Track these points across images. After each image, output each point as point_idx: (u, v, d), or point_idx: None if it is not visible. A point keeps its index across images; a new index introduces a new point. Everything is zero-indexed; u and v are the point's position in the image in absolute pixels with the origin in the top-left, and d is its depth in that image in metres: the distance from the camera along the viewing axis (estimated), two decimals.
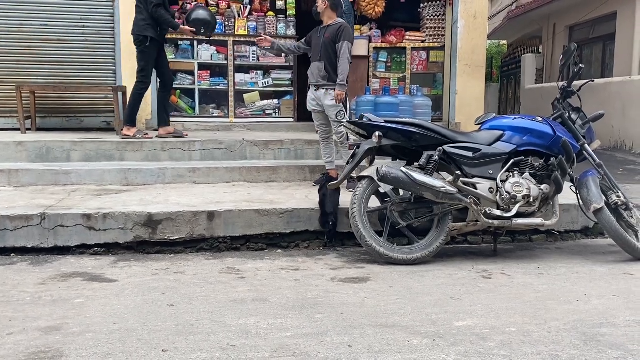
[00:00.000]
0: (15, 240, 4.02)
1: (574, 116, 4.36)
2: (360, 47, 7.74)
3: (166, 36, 6.18)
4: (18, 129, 6.54)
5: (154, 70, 6.06)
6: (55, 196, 4.72)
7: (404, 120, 4.21)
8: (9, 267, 3.73)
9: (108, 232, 4.12)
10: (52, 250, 4.05)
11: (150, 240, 4.17)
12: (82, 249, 4.09)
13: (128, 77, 7.09)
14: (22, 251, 4.02)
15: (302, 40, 5.50)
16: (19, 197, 4.66)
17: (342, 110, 4.95)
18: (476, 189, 3.97)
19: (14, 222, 4.03)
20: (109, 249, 4.12)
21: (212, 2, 7.88)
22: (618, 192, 4.21)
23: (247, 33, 7.66)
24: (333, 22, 5.12)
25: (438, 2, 8.08)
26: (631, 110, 9.57)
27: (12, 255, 3.99)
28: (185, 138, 6.08)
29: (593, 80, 5.15)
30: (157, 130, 6.22)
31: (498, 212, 3.96)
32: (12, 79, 6.83)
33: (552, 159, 4.08)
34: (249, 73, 7.82)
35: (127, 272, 3.65)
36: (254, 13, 7.80)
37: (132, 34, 5.94)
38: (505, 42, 22.13)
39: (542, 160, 4.14)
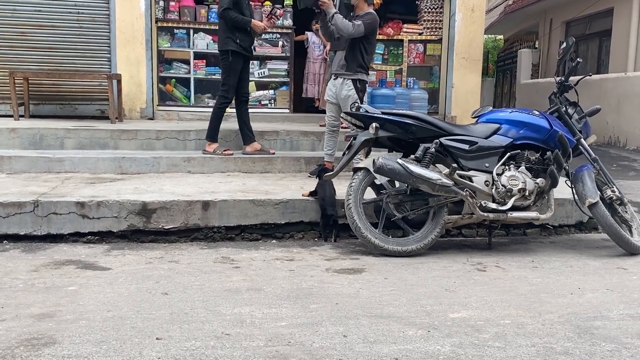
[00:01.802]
0: (8, 228, 3.99)
1: (570, 110, 4.36)
2: None
3: (253, 50, 5.82)
4: (11, 116, 6.49)
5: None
6: (48, 184, 4.68)
7: (400, 112, 4.19)
8: (1, 254, 3.70)
9: (102, 220, 4.09)
10: (45, 238, 4.02)
11: (144, 229, 4.14)
12: (76, 237, 4.06)
13: (123, 64, 7.07)
14: (15, 238, 3.99)
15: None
16: (11, 184, 4.62)
17: (357, 103, 4.88)
18: (472, 181, 3.97)
19: (7, 209, 3.99)
20: (102, 237, 4.09)
21: None
22: (613, 187, 4.22)
23: None
24: (362, 12, 5.02)
25: None
26: (626, 107, 9.60)
27: (4, 242, 3.96)
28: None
29: (590, 75, 5.16)
30: (223, 147, 5.77)
31: (493, 205, 3.96)
32: (5, 65, 6.78)
33: (548, 153, 4.08)
34: None
35: (120, 261, 3.63)
36: (251, 3, 7.73)
37: (217, 49, 5.73)
38: (501, 36, 22.14)
39: (538, 154, 4.14)
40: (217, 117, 5.56)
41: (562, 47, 4.38)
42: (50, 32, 6.93)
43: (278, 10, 5.75)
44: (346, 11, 5.18)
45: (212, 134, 5.62)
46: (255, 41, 5.83)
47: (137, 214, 4.12)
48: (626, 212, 4.22)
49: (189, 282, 3.23)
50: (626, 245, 4.06)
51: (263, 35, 7.49)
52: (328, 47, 6.85)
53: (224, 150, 5.56)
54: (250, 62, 5.93)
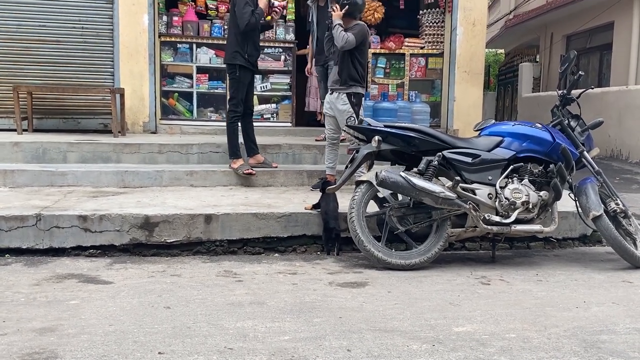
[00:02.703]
0: (10, 241, 3.98)
1: (573, 123, 4.36)
2: None
3: (258, 65, 5.74)
4: (14, 130, 6.51)
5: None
6: (51, 197, 4.68)
7: (403, 125, 4.20)
8: (3, 268, 3.69)
9: (104, 234, 4.08)
10: (47, 252, 4.01)
11: (147, 243, 4.13)
12: (78, 251, 4.05)
13: (126, 78, 7.10)
14: (17, 252, 3.98)
15: None
16: (14, 198, 4.62)
17: (353, 117, 4.88)
18: (475, 194, 3.96)
19: (9, 222, 3.99)
20: (104, 250, 4.08)
21: (211, 6, 7.89)
22: (617, 200, 4.21)
23: None
24: (351, 25, 5.01)
25: (437, 9, 8.10)
26: (628, 120, 9.61)
27: (6, 256, 3.95)
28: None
29: (592, 88, 5.16)
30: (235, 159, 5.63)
31: (497, 218, 3.95)
32: (10, 80, 6.80)
33: (551, 166, 4.07)
34: None
35: (122, 274, 3.62)
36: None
37: (223, 62, 5.71)
38: (502, 50, 22.24)
39: (541, 167, 4.13)
40: (232, 133, 5.51)
41: (563, 60, 4.39)
42: (54, 47, 6.97)
43: (276, 2, 5.71)
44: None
45: (234, 151, 5.54)
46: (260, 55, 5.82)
47: (140, 228, 4.11)
48: (630, 225, 4.20)
49: (191, 295, 3.21)
50: (631, 258, 4.03)
51: (265, 49, 7.52)
52: (311, 65, 6.84)
53: (245, 171, 5.45)
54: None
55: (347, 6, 4.92)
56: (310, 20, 6.52)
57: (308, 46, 7.04)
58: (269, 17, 5.71)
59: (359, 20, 5.10)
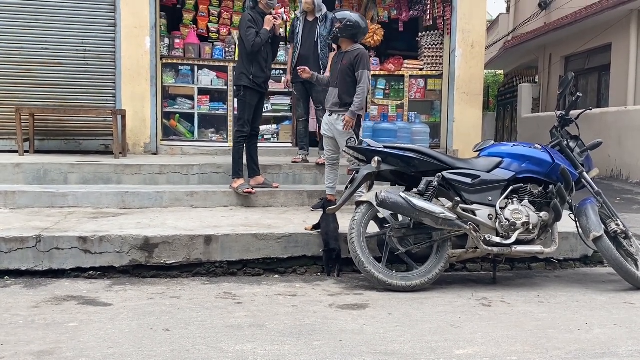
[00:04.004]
0: (10, 263, 3.97)
1: (572, 144, 4.38)
2: None
3: (267, 87, 5.81)
4: (16, 151, 6.53)
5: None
6: (51, 218, 4.68)
7: (403, 145, 4.21)
8: (2, 290, 3.68)
9: (104, 255, 4.07)
10: (46, 273, 4.00)
11: (147, 264, 4.12)
12: (77, 272, 4.04)
13: (128, 100, 7.14)
14: (16, 274, 3.97)
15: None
16: (14, 219, 4.62)
17: (353, 138, 4.89)
18: (475, 215, 3.95)
19: (9, 244, 3.98)
20: (104, 272, 4.07)
21: (213, 29, 7.99)
22: (617, 221, 4.20)
23: None
24: (351, 48, 5.05)
25: (436, 32, 8.18)
26: (627, 140, 9.64)
27: (5, 277, 3.93)
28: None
29: (591, 109, 5.19)
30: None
31: (497, 239, 3.94)
32: (12, 101, 6.85)
33: (551, 187, 4.08)
34: None
35: (122, 296, 3.60)
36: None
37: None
38: (501, 71, 22.41)
39: (541, 188, 4.14)
40: (236, 153, 5.57)
41: (561, 81, 4.42)
42: (57, 69, 7.03)
43: (281, 9, 5.71)
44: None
45: (236, 170, 5.60)
46: (270, 77, 5.82)
47: (140, 249, 4.11)
48: (631, 245, 4.19)
49: (190, 318, 3.19)
50: (632, 280, 4.01)
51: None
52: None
53: (245, 190, 5.50)
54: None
55: (349, 28, 4.96)
56: (297, 31, 6.27)
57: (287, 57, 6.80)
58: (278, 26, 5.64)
59: (357, 44, 5.12)
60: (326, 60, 6.18)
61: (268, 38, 5.45)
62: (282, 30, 5.86)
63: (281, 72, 7.91)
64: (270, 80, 7.74)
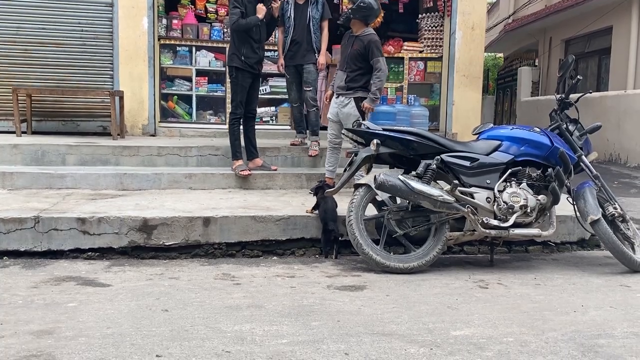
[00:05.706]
0: (8, 243, 3.98)
1: (571, 127, 4.37)
2: None
3: (261, 69, 5.74)
4: (13, 132, 6.51)
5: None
6: (49, 199, 4.68)
7: (402, 128, 4.21)
8: (1, 270, 3.69)
9: (102, 237, 4.08)
10: (45, 254, 4.01)
11: (145, 246, 4.13)
12: (76, 253, 4.05)
13: (125, 81, 7.10)
14: (15, 254, 3.98)
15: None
16: (12, 200, 4.62)
17: (359, 121, 4.87)
18: (473, 198, 3.96)
19: (7, 225, 3.98)
20: (102, 253, 4.08)
21: (211, 9, 7.91)
22: (615, 204, 4.22)
23: None
24: (362, 32, 5.02)
25: (436, 14, 8.11)
26: (626, 124, 9.63)
27: (4, 258, 3.94)
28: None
29: (590, 92, 5.17)
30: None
31: (495, 222, 3.95)
32: (9, 82, 6.80)
33: (550, 170, 4.08)
34: None
35: (121, 277, 3.62)
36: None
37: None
38: (501, 54, 22.29)
39: (539, 171, 4.14)
40: (232, 135, 5.55)
41: (561, 64, 4.40)
42: (54, 49, 6.97)
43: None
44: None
45: (233, 152, 5.60)
46: (264, 58, 5.77)
47: (138, 230, 4.11)
48: (628, 229, 4.21)
49: (189, 298, 3.21)
50: (629, 263, 4.04)
51: (265, 50, 7.48)
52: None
53: (241, 171, 5.50)
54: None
55: (362, 10, 4.93)
56: (287, 15, 6.10)
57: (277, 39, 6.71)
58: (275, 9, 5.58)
59: (369, 28, 5.08)
60: (319, 43, 6.12)
61: (257, 23, 5.38)
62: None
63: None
64: (269, 62, 7.74)
